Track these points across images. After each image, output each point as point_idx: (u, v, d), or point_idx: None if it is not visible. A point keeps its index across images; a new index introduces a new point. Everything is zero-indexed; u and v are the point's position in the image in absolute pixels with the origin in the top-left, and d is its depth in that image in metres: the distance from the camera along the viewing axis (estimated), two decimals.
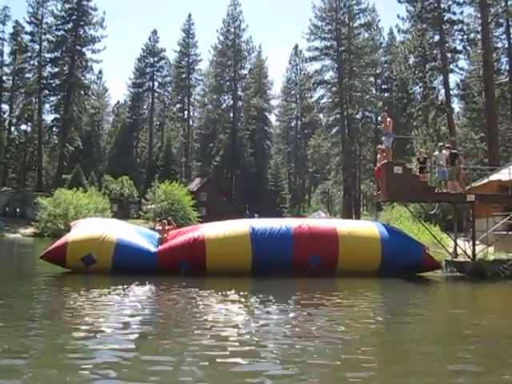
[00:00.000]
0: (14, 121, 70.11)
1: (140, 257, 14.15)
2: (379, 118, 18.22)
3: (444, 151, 17.55)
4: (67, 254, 14.12)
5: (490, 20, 43.36)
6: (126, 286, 11.37)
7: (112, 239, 14.29)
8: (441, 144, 18.43)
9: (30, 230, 44.42)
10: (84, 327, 7.07)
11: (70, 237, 14.65)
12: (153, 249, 14.63)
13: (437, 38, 49.99)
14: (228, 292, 10.72)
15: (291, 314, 8.81)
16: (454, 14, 48.76)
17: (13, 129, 71.17)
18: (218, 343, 6.27)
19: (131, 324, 7.42)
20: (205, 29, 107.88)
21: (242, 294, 10.71)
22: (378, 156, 17.31)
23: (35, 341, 6.34)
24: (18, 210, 51.30)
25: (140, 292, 11.08)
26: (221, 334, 6.78)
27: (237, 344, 6.28)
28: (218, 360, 5.57)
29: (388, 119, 17.06)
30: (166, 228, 15.90)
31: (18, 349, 5.83)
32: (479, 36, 45.50)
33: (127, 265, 13.77)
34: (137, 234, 15.44)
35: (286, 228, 15.14)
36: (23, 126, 72.30)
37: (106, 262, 13.98)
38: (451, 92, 50.49)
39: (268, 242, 14.62)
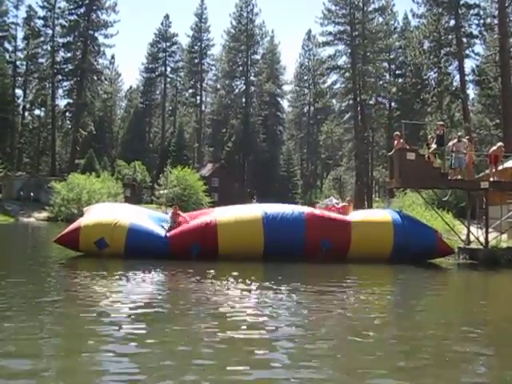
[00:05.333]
0: (28, 106, 70.58)
1: (152, 241, 14.26)
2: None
3: (464, 140, 17.48)
4: (80, 238, 14.27)
5: (507, 4, 42.59)
6: (138, 271, 11.48)
7: (125, 224, 14.41)
8: (460, 133, 18.28)
9: (43, 215, 44.91)
10: (94, 311, 7.16)
11: (82, 221, 14.81)
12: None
13: (452, 22, 49.30)
14: (240, 277, 10.76)
15: (302, 300, 8.84)
16: None
17: (26, 114, 71.74)
18: (228, 328, 6.33)
19: (142, 308, 7.50)
20: (217, 13, 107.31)
21: (253, 278, 10.76)
22: (396, 142, 17.17)
23: (48, 324, 6.45)
24: (32, 194, 51.82)
25: (152, 276, 11.19)
26: (230, 319, 6.84)
27: (245, 329, 6.34)
28: (227, 344, 5.63)
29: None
30: (178, 212, 15.97)
31: (31, 332, 5.93)
32: (496, 21, 44.76)
33: (140, 249, 13.89)
34: (149, 219, 15.57)
35: (298, 213, 15.17)
36: (37, 111, 72.83)
37: (119, 246, 14.12)
38: (466, 78, 49.90)
39: (280, 227, 14.65)
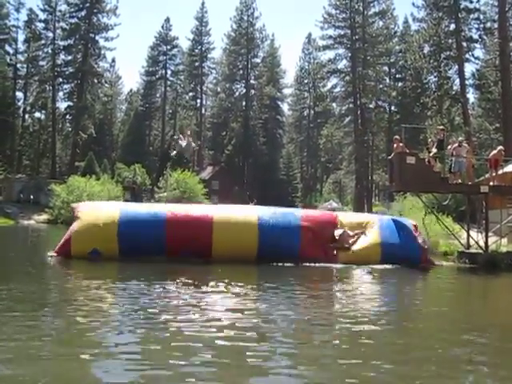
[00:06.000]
0: (28, 108, 70.58)
1: (145, 222, 14.26)
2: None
3: (465, 144, 17.53)
4: (72, 251, 13.98)
5: (507, 8, 42.72)
6: (132, 276, 11.42)
7: (114, 214, 14.46)
8: (461, 139, 18.37)
9: (43, 217, 44.88)
10: (89, 313, 7.16)
11: (72, 230, 14.38)
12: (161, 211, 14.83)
13: (452, 26, 49.44)
14: (234, 282, 10.72)
15: (297, 303, 8.84)
16: (471, 2, 48.24)
17: (27, 116, 71.74)
18: (221, 333, 6.33)
19: (135, 313, 7.49)
20: (218, 17, 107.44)
21: (246, 281, 10.75)
22: (395, 146, 17.20)
23: (44, 327, 6.44)
24: (31, 196, 51.83)
25: (150, 274, 11.16)
26: (224, 324, 6.83)
27: (242, 332, 6.33)
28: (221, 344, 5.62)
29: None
30: None
31: (27, 334, 5.93)
32: (496, 25, 44.91)
33: (134, 236, 13.84)
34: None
35: (293, 218, 15.25)
36: (37, 114, 72.83)
37: (113, 245, 13.99)
38: (466, 82, 50.03)
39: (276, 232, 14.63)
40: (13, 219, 42.64)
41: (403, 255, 14.83)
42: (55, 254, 14.24)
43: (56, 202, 42.42)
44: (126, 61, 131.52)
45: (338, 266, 14.19)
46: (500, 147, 18.88)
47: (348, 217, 16.79)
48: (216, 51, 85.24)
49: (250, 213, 15.38)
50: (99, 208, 15.99)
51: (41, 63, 67.91)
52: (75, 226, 14.56)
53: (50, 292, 9.17)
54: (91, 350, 5.38)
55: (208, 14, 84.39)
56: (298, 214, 15.76)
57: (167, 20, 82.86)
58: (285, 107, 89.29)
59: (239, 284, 10.23)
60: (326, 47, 68.89)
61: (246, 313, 7.48)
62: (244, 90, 79.81)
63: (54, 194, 42.96)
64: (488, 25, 47.83)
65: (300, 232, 14.80)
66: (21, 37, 67.63)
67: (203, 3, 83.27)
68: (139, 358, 5.11)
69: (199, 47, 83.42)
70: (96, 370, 4.79)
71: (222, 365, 5.03)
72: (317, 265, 14.10)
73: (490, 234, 16.78)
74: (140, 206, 17.63)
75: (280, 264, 13.76)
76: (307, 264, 14.06)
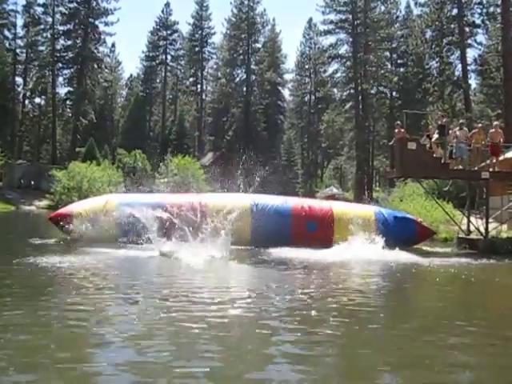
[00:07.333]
0: (28, 94, 70.34)
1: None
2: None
3: (465, 128, 17.48)
4: (73, 219, 14.73)
5: None
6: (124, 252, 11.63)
7: (113, 201, 15.54)
8: (461, 121, 18.30)
9: (44, 203, 44.98)
10: (88, 291, 7.21)
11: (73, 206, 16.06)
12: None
13: (455, 11, 49.08)
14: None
15: (291, 281, 8.89)
16: None
17: (27, 102, 71.50)
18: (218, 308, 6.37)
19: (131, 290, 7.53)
20: (219, 1, 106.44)
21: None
22: (397, 132, 17.20)
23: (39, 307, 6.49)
24: (32, 182, 51.87)
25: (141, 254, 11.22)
26: (218, 299, 6.87)
27: (236, 308, 6.37)
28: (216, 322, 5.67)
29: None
30: None
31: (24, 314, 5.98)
32: (499, 10, 44.52)
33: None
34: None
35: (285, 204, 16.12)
36: (37, 99, 72.59)
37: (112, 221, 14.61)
38: (468, 67, 49.79)
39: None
40: (14, 205, 42.78)
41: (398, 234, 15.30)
42: (52, 220, 15.37)
43: (57, 187, 42.44)
44: (125, 46, 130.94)
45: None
46: (495, 123, 18.85)
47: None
48: (216, 36, 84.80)
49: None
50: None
51: (40, 48, 67.57)
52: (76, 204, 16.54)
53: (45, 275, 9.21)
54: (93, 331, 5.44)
55: None
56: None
57: (167, 4, 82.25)
58: (285, 93, 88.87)
59: (237, 263, 10.29)
60: (327, 32, 68.45)
61: (245, 291, 7.53)
62: (245, 76, 79.34)
63: (55, 180, 42.97)
64: (491, 10, 47.49)
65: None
66: (20, 21, 67.36)
67: None
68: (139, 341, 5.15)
69: (200, 32, 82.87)
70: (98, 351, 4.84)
71: (226, 342, 5.08)
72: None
73: (490, 220, 16.81)
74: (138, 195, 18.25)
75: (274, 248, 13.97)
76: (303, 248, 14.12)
